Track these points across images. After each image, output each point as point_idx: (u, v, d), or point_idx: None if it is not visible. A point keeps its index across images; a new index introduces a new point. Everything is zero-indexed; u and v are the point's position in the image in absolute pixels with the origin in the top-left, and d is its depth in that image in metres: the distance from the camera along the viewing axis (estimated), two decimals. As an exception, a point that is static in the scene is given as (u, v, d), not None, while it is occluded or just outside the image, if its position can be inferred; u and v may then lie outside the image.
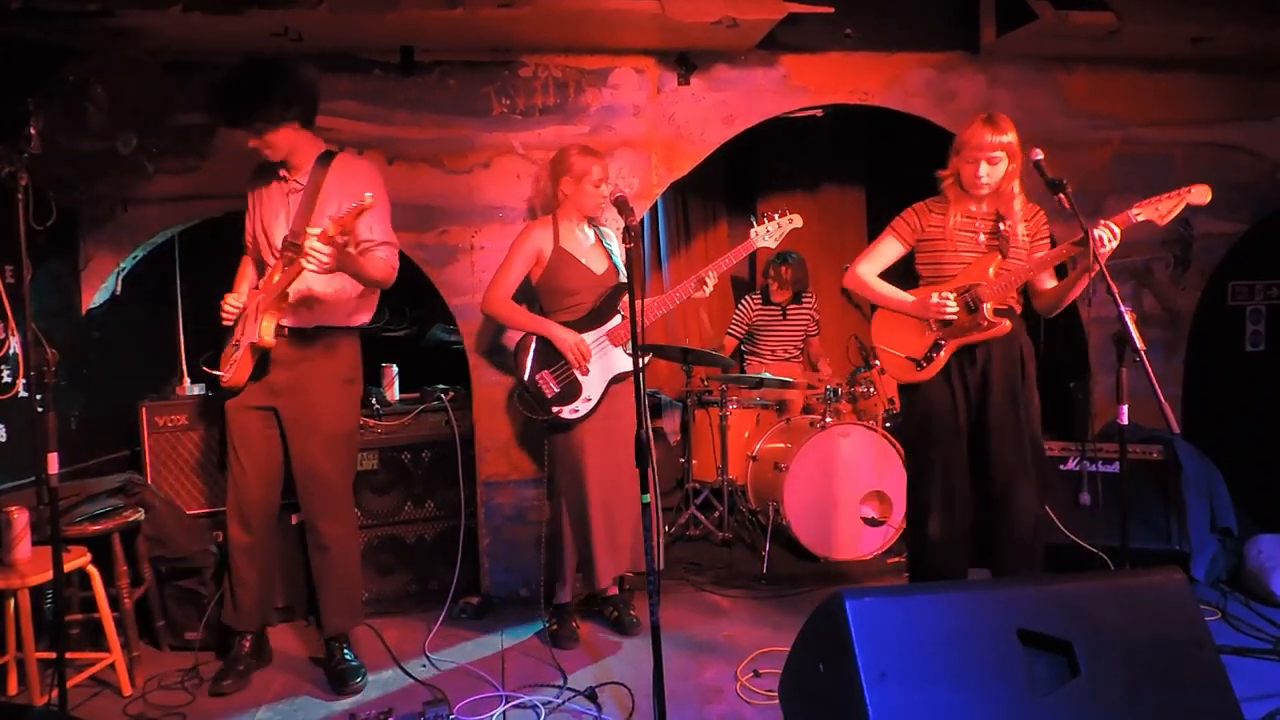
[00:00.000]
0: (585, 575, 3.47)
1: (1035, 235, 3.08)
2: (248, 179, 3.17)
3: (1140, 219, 2.81)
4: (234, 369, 3.03)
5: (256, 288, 3.10)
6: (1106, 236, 2.75)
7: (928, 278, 3.16)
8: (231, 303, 3.07)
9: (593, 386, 3.38)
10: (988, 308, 2.95)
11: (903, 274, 3.22)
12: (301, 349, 3.06)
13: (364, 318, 3.20)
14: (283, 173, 3.05)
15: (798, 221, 3.44)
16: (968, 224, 3.06)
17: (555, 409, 3.37)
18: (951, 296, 3.00)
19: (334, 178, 3.03)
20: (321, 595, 3.19)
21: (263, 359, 3.04)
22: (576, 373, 3.37)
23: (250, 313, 3.03)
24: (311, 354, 3.07)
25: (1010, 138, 2.93)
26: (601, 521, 3.38)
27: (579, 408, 3.37)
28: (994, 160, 2.93)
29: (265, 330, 2.93)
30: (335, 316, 3.10)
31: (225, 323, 3.09)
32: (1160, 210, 2.79)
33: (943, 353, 3.05)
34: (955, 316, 3.00)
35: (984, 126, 2.94)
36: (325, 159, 3.06)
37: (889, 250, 3.18)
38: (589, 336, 3.40)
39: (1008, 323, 3.00)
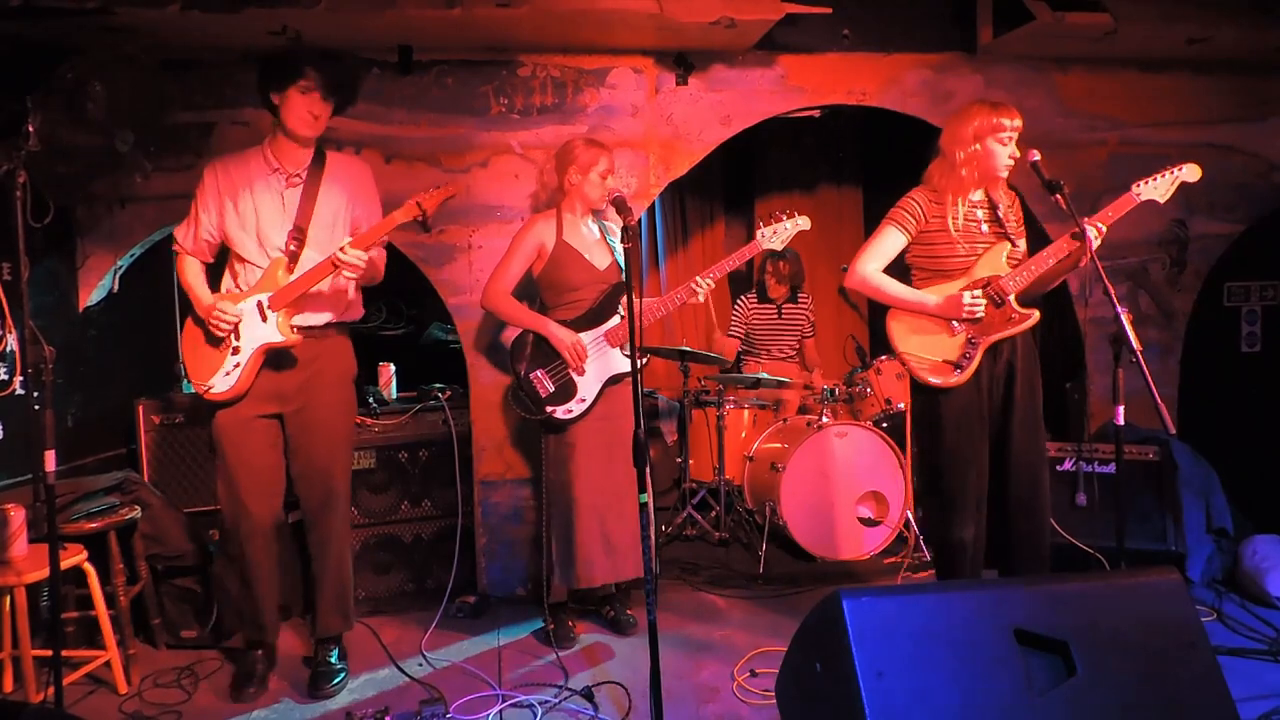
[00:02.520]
0: (564, 574, 3.39)
1: (1019, 220, 3.05)
2: (211, 177, 2.96)
3: (1143, 198, 2.85)
4: (239, 377, 2.88)
5: (216, 290, 2.99)
6: (1093, 234, 2.78)
7: (925, 271, 3.04)
8: (231, 310, 2.86)
9: (588, 387, 3.35)
10: (1013, 300, 2.90)
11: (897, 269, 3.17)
12: (312, 349, 2.99)
13: (360, 311, 3.21)
14: (276, 166, 2.96)
15: (805, 223, 3.34)
16: (971, 213, 2.98)
17: (549, 409, 3.34)
18: (979, 293, 2.91)
19: (338, 175, 3.03)
20: (320, 596, 3.14)
21: (267, 364, 2.93)
22: (572, 373, 3.34)
23: (246, 315, 2.89)
24: (322, 353, 3.03)
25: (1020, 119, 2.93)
26: (593, 523, 3.34)
27: (573, 408, 3.33)
28: (1013, 140, 2.91)
29: (284, 328, 2.87)
30: (348, 311, 3.10)
31: (220, 332, 2.88)
32: (1158, 187, 2.86)
33: (979, 351, 2.94)
34: (984, 314, 2.92)
35: (994, 109, 2.90)
36: (320, 155, 3.04)
37: (892, 243, 3.01)
38: (587, 336, 3.35)
39: (1036, 312, 2.92)
